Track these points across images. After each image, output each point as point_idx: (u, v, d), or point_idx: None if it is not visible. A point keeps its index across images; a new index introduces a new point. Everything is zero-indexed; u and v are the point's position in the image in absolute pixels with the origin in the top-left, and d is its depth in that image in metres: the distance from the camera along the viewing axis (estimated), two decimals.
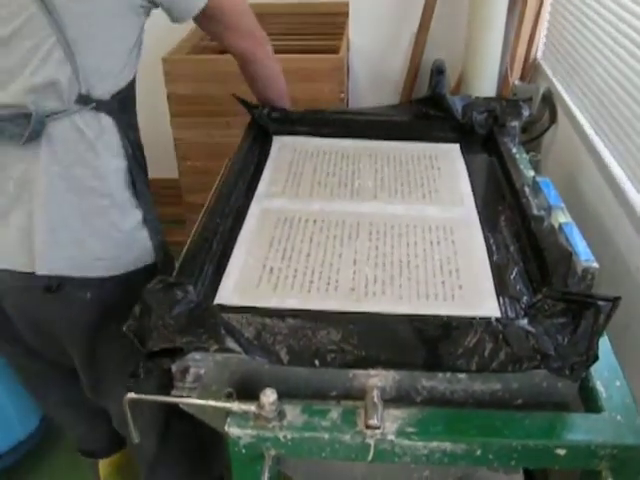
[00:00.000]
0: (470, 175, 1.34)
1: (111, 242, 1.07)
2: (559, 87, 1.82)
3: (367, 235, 1.13)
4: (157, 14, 2.30)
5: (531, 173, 1.35)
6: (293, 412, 0.86)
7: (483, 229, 1.15)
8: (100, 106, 1.01)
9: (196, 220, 1.19)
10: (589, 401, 0.91)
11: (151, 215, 1.14)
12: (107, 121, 1.04)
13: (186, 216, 2.27)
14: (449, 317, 0.89)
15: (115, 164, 1.06)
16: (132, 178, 1.09)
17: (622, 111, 1.39)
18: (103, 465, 1.44)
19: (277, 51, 2.17)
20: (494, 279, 1.02)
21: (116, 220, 1.07)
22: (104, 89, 1.02)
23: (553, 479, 1.46)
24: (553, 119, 1.82)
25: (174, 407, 0.88)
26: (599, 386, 0.91)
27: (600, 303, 0.85)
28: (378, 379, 0.87)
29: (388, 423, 0.84)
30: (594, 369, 0.90)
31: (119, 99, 1.05)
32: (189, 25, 2.34)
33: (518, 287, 1.00)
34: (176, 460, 1.27)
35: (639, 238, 1.23)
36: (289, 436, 0.84)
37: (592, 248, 1.06)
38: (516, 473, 1.16)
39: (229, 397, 0.86)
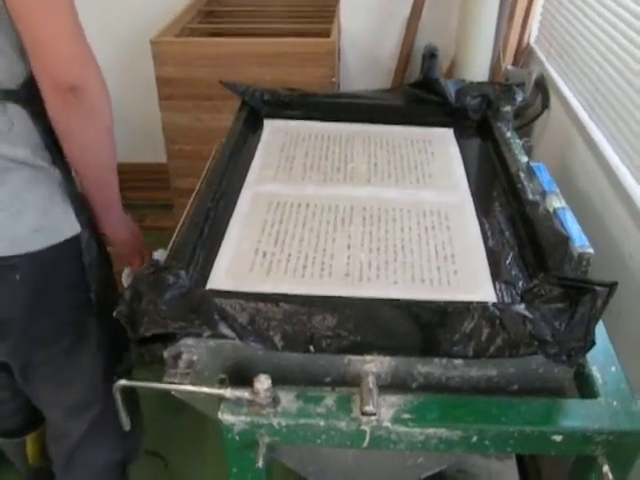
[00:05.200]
0: (464, 160, 1.33)
1: (43, 211, 1.01)
2: (552, 72, 1.81)
3: (361, 220, 1.11)
4: None
5: (524, 158, 1.34)
6: (287, 398, 0.85)
7: (478, 214, 1.14)
8: (8, 96, 0.94)
9: (185, 205, 1.17)
10: (585, 387, 0.91)
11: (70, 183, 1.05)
12: (17, 110, 0.95)
13: (174, 201, 2.24)
14: (445, 302, 0.88)
15: (27, 152, 0.98)
16: (50, 150, 1.01)
17: (616, 95, 1.38)
18: (31, 441, 1.41)
19: (269, 34, 2.16)
20: (489, 264, 1.01)
21: (42, 188, 1.01)
22: (8, 78, 0.94)
23: (543, 463, 1.47)
24: (546, 104, 1.81)
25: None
26: (595, 372, 0.91)
27: (597, 289, 0.84)
28: (374, 365, 0.86)
29: (384, 409, 0.83)
30: (590, 355, 0.90)
31: (28, 87, 0.94)
32: (178, 7, 2.32)
33: (513, 272, 1.00)
34: (103, 438, 1.25)
35: (633, 223, 1.23)
36: (283, 423, 0.83)
37: (585, 234, 1.05)
38: (509, 459, 1.17)
39: (222, 383, 0.85)
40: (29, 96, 0.94)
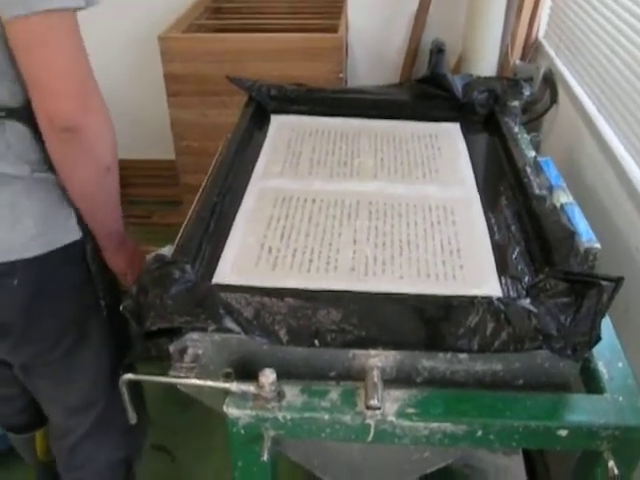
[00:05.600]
0: (471, 155, 1.32)
1: (42, 218, 1.00)
2: (560, 67, 1.80)
3: (367, 215, 1.11)
4: None
5: (532, 153, 1.33)
6: (292, 392, 0.85)
7: (484, 209, 1.13)
8: (10, 114, 0.93)
9: (193, 201, 1.17)
10: (591, 382, 0.90)
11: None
12: (17, 129, 0.94)
13: (183, 197, 2.25)
14: (450, 297, 0.88)
15: (25, 168, 0.97)
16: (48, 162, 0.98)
17: (625, 89, 1.37)
18: (39, 436, 1.41)
19: (275, 30, 2.16)
20: (495, 259, 1.01)
21: (42, 195, 1.00)
22: (9, 97, 0.92)
23: (551, 459, 1.46)
24: (554, 99, 1.80)
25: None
26: (601, 367, 0.90)
27: (603, 283, 0.84)
28: (378, 359, 0.86)
29: (388, 404, 0.83)
30: (596, 350, 0.89)
31: (30, 105, 0.91)
32: (186, 4, 2.33)
33: (519, 267, 0.99)
34: (105, 436, 1.26)
35: None
36: (288, 417, 0.83)
37: (592, 228, 1.05)
38: (515, 454, 1.17)
39: (227, 377, 0.85)
40: (31, 114, 0.92)
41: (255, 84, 1.48)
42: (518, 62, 2.00)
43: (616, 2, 1.47)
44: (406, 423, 0.82)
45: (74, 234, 1.04)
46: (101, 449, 1.27)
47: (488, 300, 0.85)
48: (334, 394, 0.85)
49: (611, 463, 0.82)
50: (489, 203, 1.15)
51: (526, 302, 0.85)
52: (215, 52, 2.00)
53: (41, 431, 1.39)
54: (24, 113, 0.93)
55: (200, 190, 1.18)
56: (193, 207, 1.14)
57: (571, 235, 0.99)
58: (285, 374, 0.85)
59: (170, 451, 1.73)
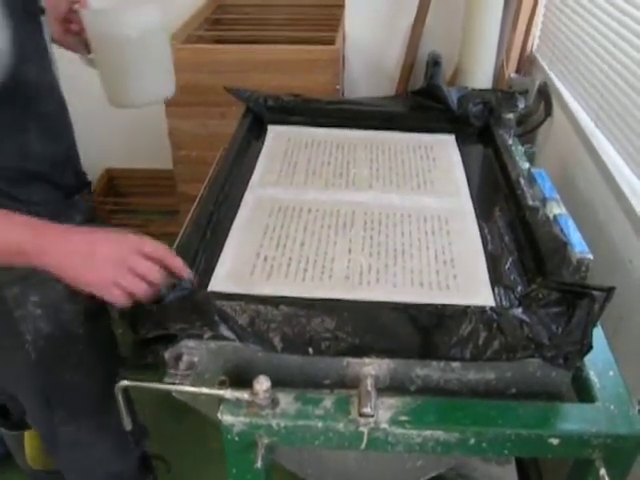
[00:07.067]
0: (465, 166, 1.34)
1: None
2: (555, 80, 1.82)
3: (362, 224, 1.12)
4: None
5: (526, 165, 1.35)
6: (286, 400, 0.85)
7: (478, 219, 1.15)
8: None
9: (189, 210, 1.18)
10: (583, 391, 0.91)
11: None
12: None
13: (180, 206, 2.26)
14: (443, 306, 0.88)
15: None
16: None
17: (620, 101, 1.39)
18: (29, 439, 1.40)
19: (273, 41, 2.18)
20: (489, 269, 1.02)
21: None
22: None
23: (545, 469, 1.46)
24: (549, 112, 1.82)
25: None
26: (593, 376, 0.91)
27: (595, 293, 0.85)
28: (372, 367, 0.86)
29: (382, 411, 0.84)
30: (588, 359, 0.90)
31: None
32: (185, 15, 2.34)
33: (512, 277, 1.00)
34: (100, 440, 1.23)
35: (633, 229, 1.23)
36: (282, 424, 0.83)
37: (586, 240, 1.06)
38: (508, 464, 1.17)
39: (222, 384, 0.86)
40: None
41: (252, 95, 1.49)
42: (513, 75, 2.02)
43: (606, 14, 1.49)
44: (399, 431, 0.83)
45: None
46: (89, 462, 1.25)
47: (481, 309, 0.86)
48: (328, 402, 0.85)
49: (602, 471, 0.83)
50: (483, 214, 1.17)
51: (518, 311, 0.86)
52: (214, 63, 2.01)
53: (30, 434, 1.38)
54: None
55: (197, 199, 1.19)
56: (190, 216, 1.15)
57: (563, 246, 1.00)
58: (280, 382, 0.85)
59: (166, 460, 1.73)
